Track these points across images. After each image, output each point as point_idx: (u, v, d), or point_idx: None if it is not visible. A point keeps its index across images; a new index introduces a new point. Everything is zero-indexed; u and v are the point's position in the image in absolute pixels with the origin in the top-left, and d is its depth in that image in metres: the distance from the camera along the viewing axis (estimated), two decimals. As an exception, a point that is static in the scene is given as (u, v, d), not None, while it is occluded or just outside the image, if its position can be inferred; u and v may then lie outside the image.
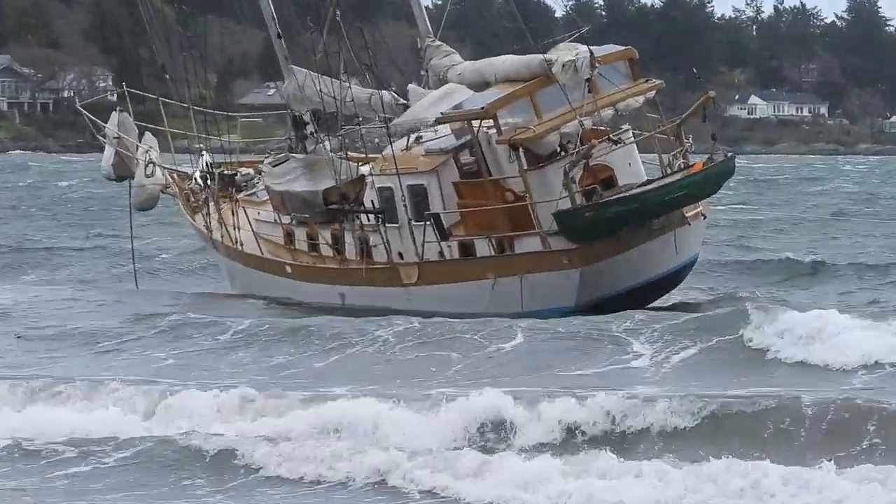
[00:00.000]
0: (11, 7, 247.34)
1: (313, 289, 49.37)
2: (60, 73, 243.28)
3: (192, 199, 54.94)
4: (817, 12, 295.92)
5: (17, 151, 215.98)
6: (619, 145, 45.84)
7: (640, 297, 45.77)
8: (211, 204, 53.54)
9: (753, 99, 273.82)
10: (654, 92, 47.18)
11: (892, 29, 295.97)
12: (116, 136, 55.07)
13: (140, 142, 55.33)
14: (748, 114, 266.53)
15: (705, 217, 47.30)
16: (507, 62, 47.29)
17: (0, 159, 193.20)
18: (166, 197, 56.60)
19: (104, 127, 56.04)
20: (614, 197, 44.64)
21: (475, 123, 46.13)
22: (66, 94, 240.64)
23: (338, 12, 50.61)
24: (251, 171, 54.41)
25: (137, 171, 54.97)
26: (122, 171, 55.66)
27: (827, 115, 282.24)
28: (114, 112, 55.93)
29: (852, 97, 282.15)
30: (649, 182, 45.44)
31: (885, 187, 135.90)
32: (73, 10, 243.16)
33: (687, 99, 49.41)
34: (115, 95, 59.16)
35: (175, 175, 55.55)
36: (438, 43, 50.52)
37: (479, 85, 47.32)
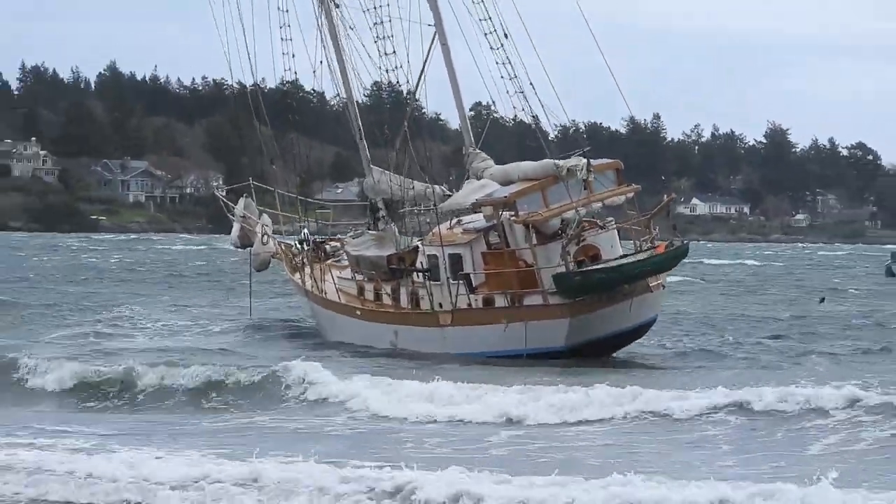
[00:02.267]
0: (148, 127, 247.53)
1: (374, 327, 48.87)
2: (184, 175, 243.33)
3: (293, 262, 54.89)
4: (742, 136, 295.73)
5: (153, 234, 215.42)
6: (603, 230, 45.94)
7: (614, 342, 45.96)
8: (305, 264, 53.70)
9: (694, 200, 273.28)
10: (631, 193, 47.15)
11: (796, 150, 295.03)
12: (242, 215, 55.57)
13: (259, 220, 55.49)
14: (690, 212, 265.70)
15: (664, 287, 46.99)
16: (526, 166, 47.42)
17: (143, 238, 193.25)
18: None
19: (233, 208, 56.70)
20: (599, 266, 44.68)
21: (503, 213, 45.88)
22: (188, 190, 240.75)
23: (405, 124, 50.81)
24: (338, 244, 54.42)
25: (256, 242, 55.33)
26: (245, 242, 56.07)
27: (748, 213, 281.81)
28: (241, 198, 56.42)
29: (767, 200, 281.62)
30: (625, 256, 45.53)
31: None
32: (194, 129, 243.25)
33: (648, 202, 49.93)
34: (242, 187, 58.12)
35: (282, 245, 55.68)
36: (478, 151, 50.46)
37: (506, 182, 47.45)
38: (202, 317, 60.08)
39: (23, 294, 71.32)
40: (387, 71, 50.84)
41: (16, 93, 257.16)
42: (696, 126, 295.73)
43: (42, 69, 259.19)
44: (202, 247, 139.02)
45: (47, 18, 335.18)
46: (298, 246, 54.95)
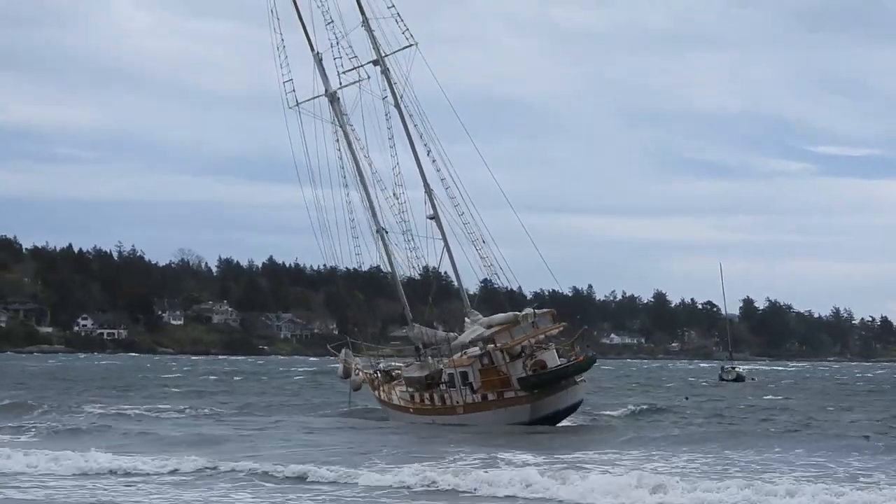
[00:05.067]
0: (292, 293, 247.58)
1: (419, 417, 48.24)
2: (312, 322, 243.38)
3: (374, 383, 53.15)
4: (640, 297, 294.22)
5: (295, 356, 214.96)
6: (547, 350, 46.11)
7: (557, 417, 45.46)
8: (381, 385, 52.45)
9: (612, 335, 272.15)
10: (560, 328, 47.64)
11: (672, 305, 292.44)
12: (343, 358, 53.66)
13: (354, 360, 53.75)
14: (610, 341, 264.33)
15: (584, 381, 46.74)
16: (500, 317, 47.51)
17: (288, 360, 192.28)
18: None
19: (338, 355, 54.63)
20: (543, 372, 45.06)
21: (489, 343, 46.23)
22: (315, 331, 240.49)
23: (430, 297, 51.38)
24: (399, 372, 52.61)
25: (353, 373, 53.37)
26: (346, 375, 53.77)
27: (644, 342, 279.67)
28: (343, 349, 54.39)
29: (655, 334, 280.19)
30: (559, 365, 45.45)
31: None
32: (318, 293, 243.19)
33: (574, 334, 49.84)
34: (348, 343, 56.02)
35: (367, 374, 53.69)
36: (472, 310, 50.56)
37: (488, 326, 47.42)
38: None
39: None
40: (417, 265, 51.77)
41: (215, 273, 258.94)
42: (612, 291, 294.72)
43: (230, 259, 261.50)
44: (317, 370, 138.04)
45: (229, 229, 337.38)
46: (376, 374, 53.18)
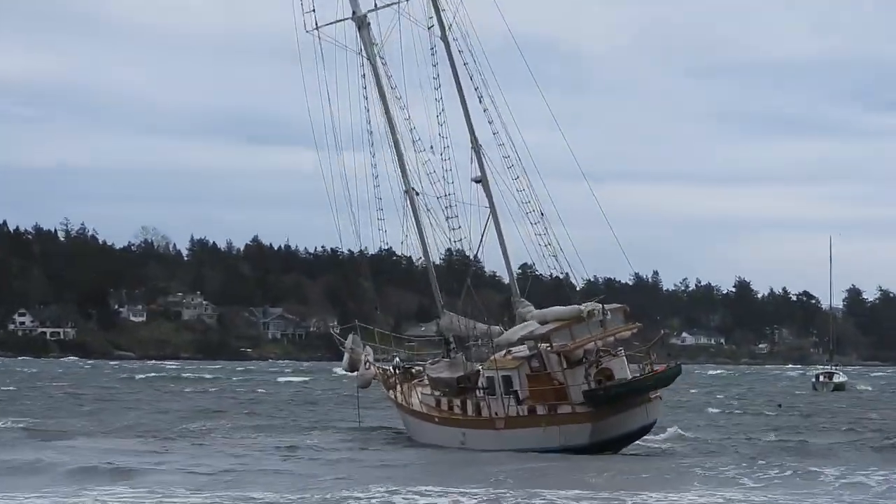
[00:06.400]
0: (282, 283, 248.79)
1: (447, 430, 47.62)
2: (309, 318, 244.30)
3: (388, 382, 52.98)
4: (718, 287, 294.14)
5: (285, 360, 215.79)
6: (615, 356, 45.20)
7: (625, 440, 44.67)
8: (399, 384, 52.17)
9: (684, 334, 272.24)
10: (635, 329, 46.36)
11: (758, 296, 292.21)
12: (351, 347, 53.07)
13: (363, 351, 53.15)
14: (681, 342, 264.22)
15: (661, 398, 45.85)
16: (558, 310, 46.66)
17: (284, 363, 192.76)
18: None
19: (344, 342, 54.09)
20: (615, 384, 44.19)
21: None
22: (311, 329, 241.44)
23: (468, 280, 50.12)
24: (421, 369, 52.37)
25: (360, 367, 52.74)
26: (353, 367, 53.24)
27: (724, 343, 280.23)
28: (350, 334, 53.78)
29: (736, 333, 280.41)
30: (635, 377, 44.73)
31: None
32: (316, 283, 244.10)
33: (649, 335, 49.00)
34: (354, 328, 55.71)
35: (380, 369, 53.44)
36: (522, 299, 49.43)
37: (543, 322, 46.56)
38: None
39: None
40: (455, 241, 50.51)
41: (186, 258, 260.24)
42: (683, 279, 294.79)
43: (205, 241, 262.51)
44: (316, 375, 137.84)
45: (202, 202, 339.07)
46: (392, 370, 53.11)
